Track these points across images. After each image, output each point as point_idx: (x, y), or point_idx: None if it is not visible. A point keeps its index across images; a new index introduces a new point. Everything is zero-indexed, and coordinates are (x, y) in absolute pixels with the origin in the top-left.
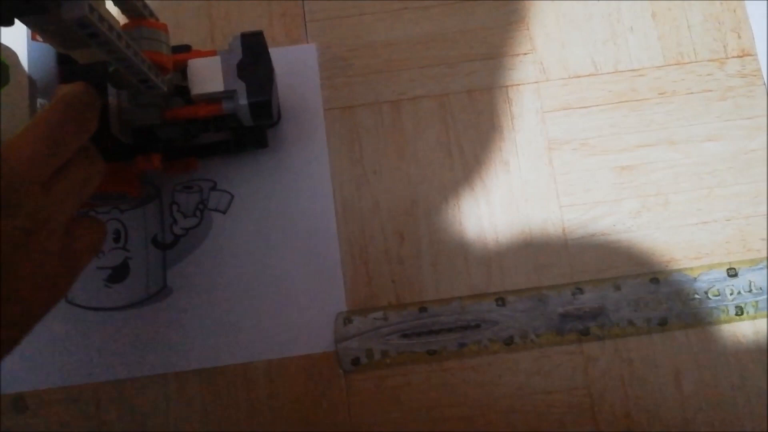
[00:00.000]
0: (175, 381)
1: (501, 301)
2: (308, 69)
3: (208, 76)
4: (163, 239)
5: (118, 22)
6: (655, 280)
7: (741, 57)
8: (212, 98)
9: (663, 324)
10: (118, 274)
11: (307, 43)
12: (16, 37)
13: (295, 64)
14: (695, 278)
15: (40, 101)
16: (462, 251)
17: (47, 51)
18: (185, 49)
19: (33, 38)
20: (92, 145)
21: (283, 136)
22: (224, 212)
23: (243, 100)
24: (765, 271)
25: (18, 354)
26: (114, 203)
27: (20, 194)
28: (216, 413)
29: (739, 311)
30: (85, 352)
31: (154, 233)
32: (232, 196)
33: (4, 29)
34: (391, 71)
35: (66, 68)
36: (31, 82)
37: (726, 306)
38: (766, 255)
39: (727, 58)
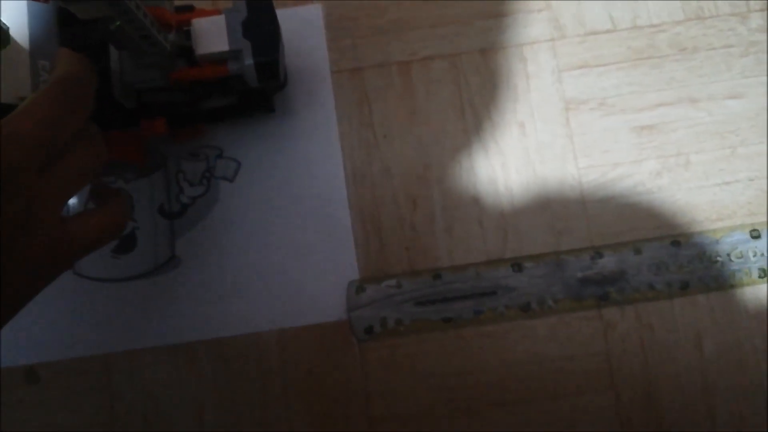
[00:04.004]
0: (185, 351)
1: (518, 266)
2: (314, 30)
3: (213, 35)
4: (170, 208)
5: None
6: (676, 243)
7: (763, 11)
8: (217, 59)
9: (684, 288)
10: (126, 244)
11: (313, 2)
12: None
13: (299, 26)
14: (717, 240)
15: (41, 63)
16: (477, 216)
17: (47, 11)
18: (189, 9)
19: None
20: (93, 126)
21: (289, 101)
22: (231, 180)
23: (249, 60)
24: None
25: (29, 326)
26: (119, 173)
27: (17, 180)
28: (227, 384)
29: (763, 273)
30: (94, 323)
31: (160, 203)
32: (239, 164)
33: None
34: (400, 31)
35: (66, 29)
36: (32, 42)
37: (749, 268)
38: None
39: (749, 12)
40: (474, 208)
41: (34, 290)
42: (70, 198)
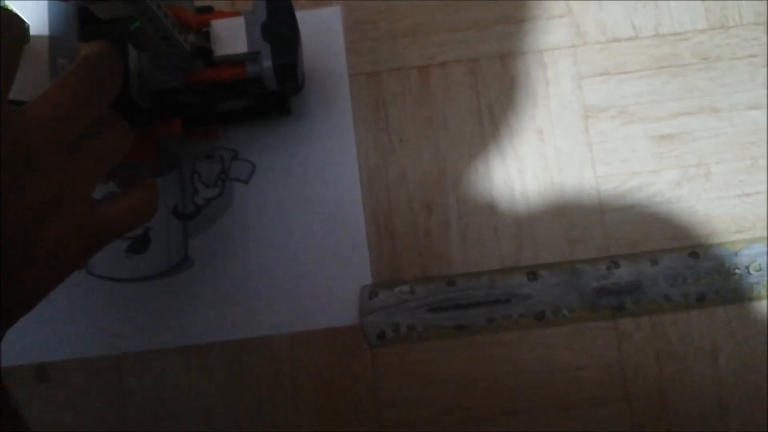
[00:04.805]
0: (196, 353)
1: (533, 275)
2: (332, 32)
3: (232, 37)
4: (183, 209)
5: None
6: (694, 255)
7: None
8: (236, 60)
9: (701, 300)
10: (139, 245)
11: (332, 5)
12: None
13: (318, 28)
14: (736, 252)
15: (60, 61)
16: (492, 223)
17: (67, 9)
18: (208, 10)
19: None
20: (115, 113)
21: (306, 103)
22: (246, 182)
23: (267, 62)
24: None
25: (40, 324)
26: (133, 173)
27: (45, 159)
28: (238, 386)
29: None
30: (106, 323)
31: (174, 203)
32: (254, 166)
33: None
34: (419, 35)
35: (86, 27)
36: (52, 41)
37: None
38: None
39: None
40: (489, 215)
41: (62, 273)
42: (99, 179)
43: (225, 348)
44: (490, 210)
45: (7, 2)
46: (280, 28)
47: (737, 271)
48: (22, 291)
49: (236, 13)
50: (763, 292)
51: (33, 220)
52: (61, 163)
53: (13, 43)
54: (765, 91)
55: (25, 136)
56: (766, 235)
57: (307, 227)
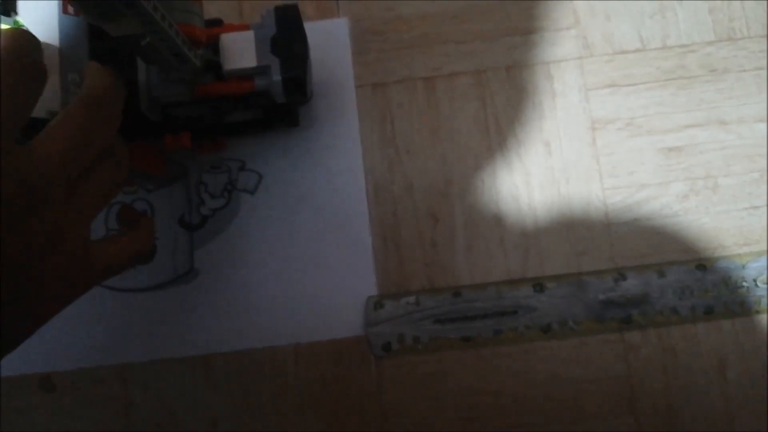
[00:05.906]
0: (201, 363)
1: (539, 286)
2: (339, 44)
3: (241, 51)
4: (190, 220)
5: None
6: (701, 267)
7: None
8: (245, 74)
9: (709, 312)
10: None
11: (339, 17)
12: (47, 9)
13: (325, 39)
14: (744, 265)
15: (70, 75)
16: (499, 235)
17: (78, 24)
18: (217, 23)
19: (64, 11)
20: (118, 140)
21: (312, 114)
22: (252, 193)
23: (277, 76)
24: None
25: (45, 334)
26: (140, 183)
27: (48, 198)
28: (242, 397)
29: None
30: (111, 333)
31: (181, 214)
32: (261, 177)
33: (34, 1)
34: (425, 46)
35: (96, 42)
36: (62, 56)
37: None
38: None
39: None
40: (496, 226)
41: (52, 311)
42: (96, 215)
43: (230, 358)
44: (496, 221)
45: (18, 18)
46: (289, 42)
47: (744, 284)
48: (17, 326)
49: (245, 26)
50: None
51: (32, 259)
52: (62, 200)
53: (22, 77)
54: None
55: (31, 174)
56: None
57: (313, 237)
